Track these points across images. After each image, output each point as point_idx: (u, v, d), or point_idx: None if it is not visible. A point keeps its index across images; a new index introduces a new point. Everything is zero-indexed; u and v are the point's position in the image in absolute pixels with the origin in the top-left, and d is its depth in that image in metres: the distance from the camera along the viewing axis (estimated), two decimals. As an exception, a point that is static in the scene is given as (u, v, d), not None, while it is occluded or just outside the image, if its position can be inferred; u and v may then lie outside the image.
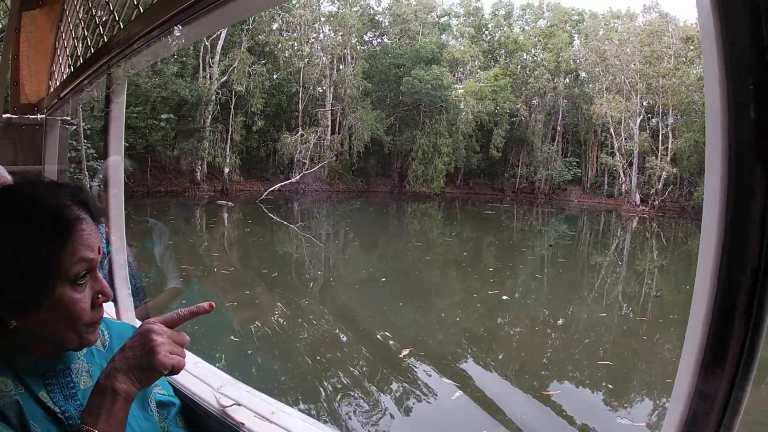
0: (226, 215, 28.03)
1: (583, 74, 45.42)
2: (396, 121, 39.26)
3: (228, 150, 34.04)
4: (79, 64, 2.84)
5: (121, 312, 2.24)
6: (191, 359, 1.96)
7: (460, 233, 26.92)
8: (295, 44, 37.11)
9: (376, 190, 40.80)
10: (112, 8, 2.30)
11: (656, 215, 39.29)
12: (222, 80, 33.51)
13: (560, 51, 44.01)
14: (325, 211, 32.59)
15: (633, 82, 40.82)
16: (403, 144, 38.50)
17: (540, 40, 46.21)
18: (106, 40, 2.36)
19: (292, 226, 25.62)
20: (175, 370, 1.09)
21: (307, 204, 34.08)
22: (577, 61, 43.82)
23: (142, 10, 1.85)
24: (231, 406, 1.69)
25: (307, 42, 38.12)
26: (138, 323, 2.12)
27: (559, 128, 45.73)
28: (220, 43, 33.56)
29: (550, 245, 23.98)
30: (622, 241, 29.89)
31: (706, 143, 0.74)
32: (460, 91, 38.06)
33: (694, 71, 38.31)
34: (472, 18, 47.24)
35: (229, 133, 34.07)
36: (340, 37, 38.82)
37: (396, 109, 38.92)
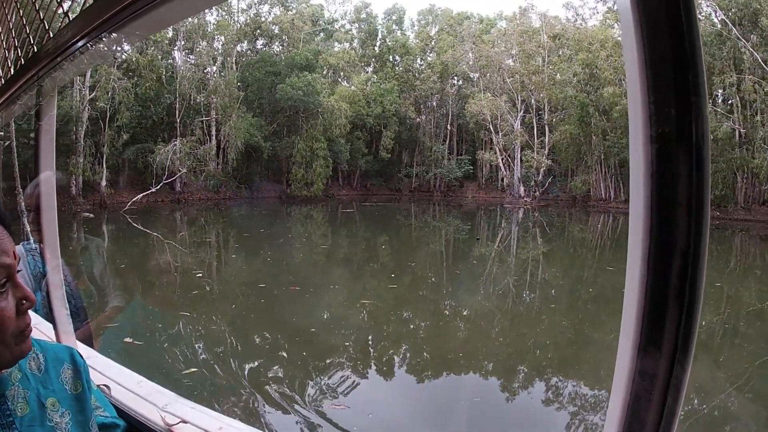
0: (79, 227, 28.20)
1: (475, 76, 46.91)
2: (278, 128, 40.29)
3: (104, 164, 34.75)
4: (9, 75, 2.74)
5: (60, 334, 2.12)
6: (134, 379, 1.97)
7: (350, 234, 27.83)
8: (171, 58, 38.30)
9: (265, 195, 41.65)
10: (42, 17, 2.23)
11: (538, 206, 41.25)
12: (90, 97, 34.26)
13: (443, 54, 45.60)
14: (205, 218, 33.05)
15: (513, 81, 42.55)
16: (284, 149, 39.58)
17: (428, 44, 47.83)
18: (36, 50, 2.26)
19: (155, 233, 26.01)
20: None
21: (191, 213, 34.50)
22: (456, 63, 45.22)
23: (71, 18, 1.79)
24: (177, 424, 1.68)
25: (193, 51, 39.26)
26: (79, 345, 2.17)
27: (450, 128, 47.33)
28: (91, 59, 34.04)
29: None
30: (507, 232, 31.39)
31: (629, 130, 0.76)
32: (333, 96, 39.03)
33: (575, 68, 40.03)
34: (363, 24, 48.58)
35: (103, 147, 34.79)
36: (221, 47, 39.96)
37: (277, 115, 39.99)
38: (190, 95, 38.23)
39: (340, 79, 44.72)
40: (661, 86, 0.72)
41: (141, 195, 35.11)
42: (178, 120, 38.01)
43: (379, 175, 47.35)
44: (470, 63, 44.44)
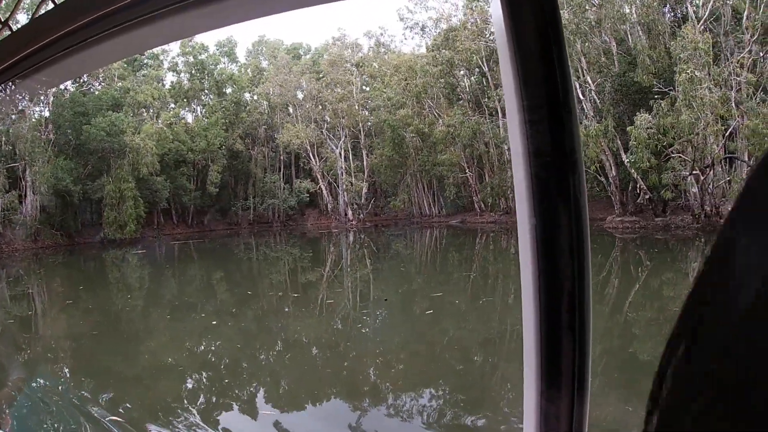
0: None
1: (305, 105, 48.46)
2: (93, 170, 40.32)
3: None
4: None
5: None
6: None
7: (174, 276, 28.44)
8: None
9: (87, 240, 41.27)
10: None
11: (363, 227, 43.44)
12: None
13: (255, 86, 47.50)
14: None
15: (329, 109, 44.72)
16: (95, 192, 39.64)
17: (256, 76, 49.25)
18: None
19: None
20: None
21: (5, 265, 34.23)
22: (270, 94, 46.79)
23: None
24: None
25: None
26: None
27: (283, 158, 48.72)
28: None
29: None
30: (338, 256, 33.21)
31: (510, 148, 0.82)
32: (139, 135, 39.47)
33: (387, 93, 42.52)
34: (190, 57, 48.94)
35: None
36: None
37: (89, 157, 40.05)
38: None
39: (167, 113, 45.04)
40: (535, 106, 0.79)
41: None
42: (-19, 170, 37.48)
43: (214, 210, 48.27)
44: (277, 94, 46.08)
